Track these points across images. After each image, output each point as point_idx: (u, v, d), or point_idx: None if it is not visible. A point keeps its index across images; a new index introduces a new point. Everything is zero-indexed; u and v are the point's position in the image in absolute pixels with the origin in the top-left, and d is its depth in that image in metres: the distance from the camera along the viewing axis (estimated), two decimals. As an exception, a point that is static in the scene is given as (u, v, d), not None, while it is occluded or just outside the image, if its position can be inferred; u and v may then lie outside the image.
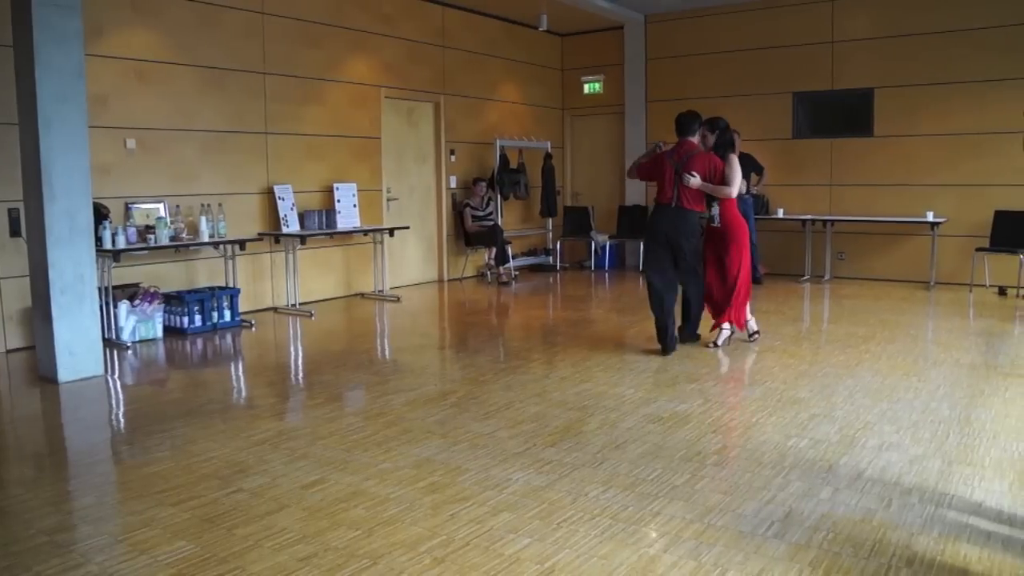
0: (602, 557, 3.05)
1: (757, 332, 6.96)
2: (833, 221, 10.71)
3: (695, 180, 6.40)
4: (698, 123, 6.71)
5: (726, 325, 6.75)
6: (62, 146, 5.73)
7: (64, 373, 5.86)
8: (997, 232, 9.56)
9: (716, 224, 6.60)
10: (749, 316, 6.90)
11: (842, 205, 10.95)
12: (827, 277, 10.83)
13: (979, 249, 9.56)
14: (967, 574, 2.93)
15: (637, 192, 12.44)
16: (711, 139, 6.67)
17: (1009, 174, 9.60)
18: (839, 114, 10.99)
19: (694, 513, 3.43)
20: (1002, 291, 9.55)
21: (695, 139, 6.67)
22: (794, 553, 3.06)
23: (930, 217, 9.89)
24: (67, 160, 5.77)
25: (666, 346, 6.50)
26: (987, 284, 9.81)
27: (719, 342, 6.73)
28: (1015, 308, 8.64)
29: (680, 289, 6.74)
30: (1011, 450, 4.22)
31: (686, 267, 6.61)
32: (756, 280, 10.59)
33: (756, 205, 10.83)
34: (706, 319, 6.91)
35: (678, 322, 6.75)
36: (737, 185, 6.48)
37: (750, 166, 10.67)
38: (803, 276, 10.90)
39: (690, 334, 6.87)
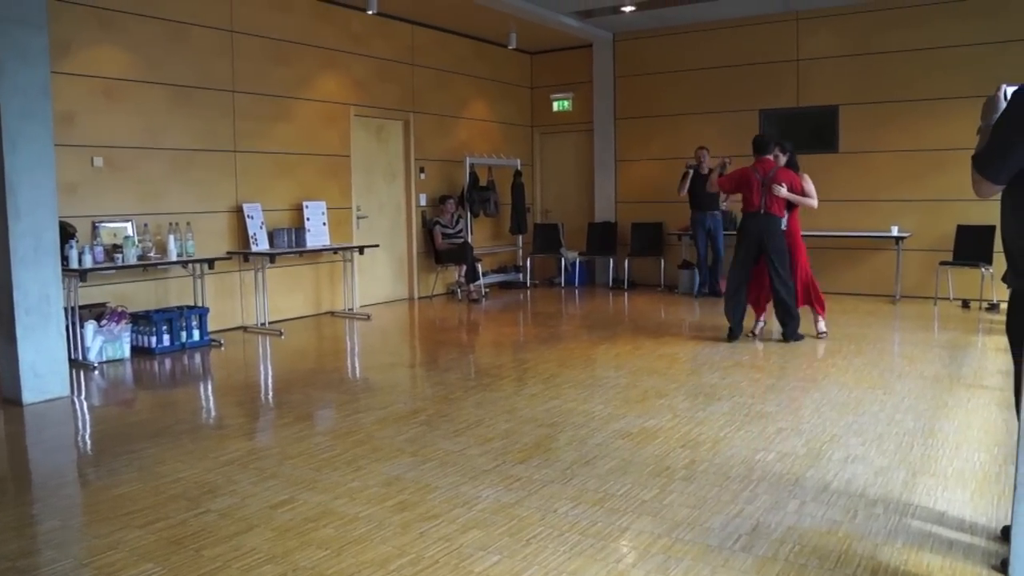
0: (571, 573, 3.07)
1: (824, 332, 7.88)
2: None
3: (783, 190, 7.38)
4: (773, 144, 7.70)
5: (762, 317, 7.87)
6: (27, 164, 5.68)
7: (29, 394, 5.78)
8: (960, 246, 9.72)
9: (783, 230, 7.60)
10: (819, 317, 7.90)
11: (808, 220, 10.99)
12: (795, 292, 10.93)
13: (943, 263, 9.72)
14: (930, 584, 2.97)
15: (607, 209, 12.53)
16: (783, 159, 7.67)
17: (970, 189, 9.71)
18: (805, 130, 11.12)
19: (662, 528, 3.46)
20: (965, 304, 9.70)
21: (771, 157, 7.61)
22: (761, 566, 3.09)
23: (895, 232, 10.04)
24: (32, 178, 5.71)
25: (731, 333, 7.70)
26: (951, 297, 9.96)
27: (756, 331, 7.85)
28: (978, 320, 8.78)
29: (772, 292, 7.65)
30: (973, 460, 4.29)
31: (774, 268, 7.50)
32: (716, 294, 10.74)
33: (724, 221, 10.95)
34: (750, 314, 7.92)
35: (759, 317, 7.94)
36: (815, 197, 7.67)
37: None
38: (771, 291, 11.00)
39: (791, 334, 7.61)
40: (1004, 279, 3.07)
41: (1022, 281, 2.96)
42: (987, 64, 9.56)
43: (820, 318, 7.90)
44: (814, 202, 7.71)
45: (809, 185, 7.67)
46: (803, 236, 8.05)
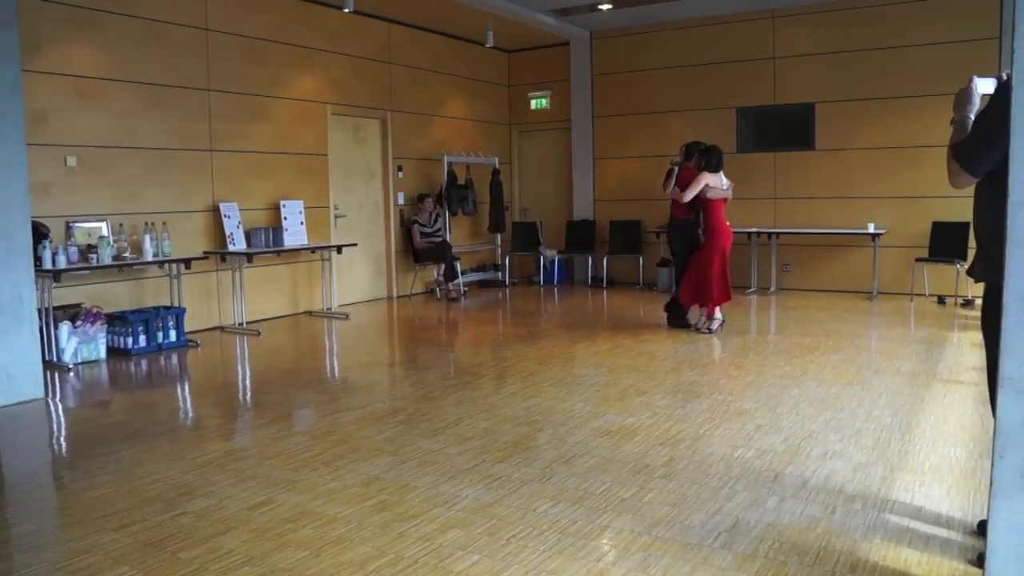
0: (551, 572, 3.06)
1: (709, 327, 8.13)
2: (778, 233, 10.89)
3: (675, 191, 8.10)
4: (696, 150, 8.23)
5: (717, 313, 8.08)
6: (-2, 164, 5.61)
7: (2, 397, 5.70)
8: (935, 242, 9.81)
9: (701, 228, 7.94)
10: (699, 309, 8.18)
11: (786, 217, 11.14)
12: (773, 289, 10.99)
13: (918, 259, 9.80)
14: (908, 579, 2.99)
15: (585, 207, 12.54)
16: (698, 161, 8.12)
17: (945, 186, 9.57)
18: (782, 128, 11.20)
19: (642, 526, 3.46)
20: (941, 300, 9.78)
21: (692, 163, 8.22)
22: (741, 563, 3.10)
23: (871, 228, 10.12)
24: (3, 178, 5.64)
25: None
26: (927, 293, 10.04)
27: (713, 328, 8.02)
28: (954, 316, 8.86)
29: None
30: (949, 455, 4.32)
31: (678, 265, 8.28)
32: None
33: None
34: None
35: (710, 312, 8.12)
36: (689, 192, 7.89)
37: None
38: (749, 288, 11.05)
39: (677, 319, 8.34)
40: (970, 273, 3.08)
41: (998, 274, 2.98)
42: (959, 61, 9.63)
43: (711, 314, 8.07)
44: (684, 195, 7.94)
45: (696, 181, 7.90)
46: (780, 234, 8.23)
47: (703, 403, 5.45)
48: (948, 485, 3.89)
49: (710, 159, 7.99)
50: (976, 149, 2.94)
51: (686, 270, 8.10)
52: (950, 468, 4.13)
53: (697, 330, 8.06)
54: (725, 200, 8.06)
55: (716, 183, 7.93)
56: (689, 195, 7.88)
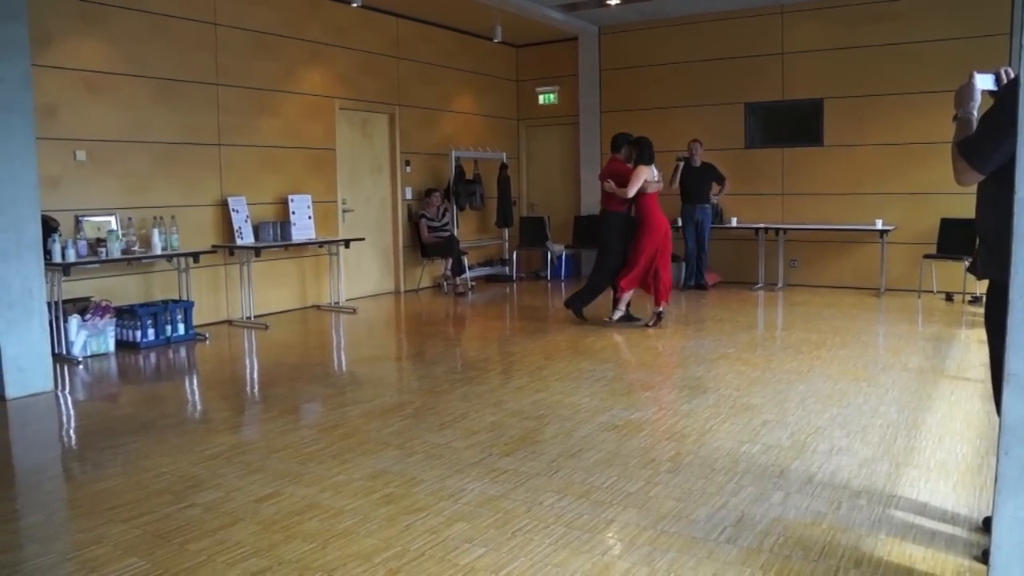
0: (557, 565, 3.07)
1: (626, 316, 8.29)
2: (786, 229, 10.86)
3: (609, 184, 7.94)
4: (624, 142, 8.13)
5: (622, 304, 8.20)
6: (8, 158, 5.63)
7: (12, 389, 5.74)
8: (943, 239, 9.78)
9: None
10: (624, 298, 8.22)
11: (794, 213, 11.12)
12: (780, 285, 10.97)
13: (926, 256, 9.78)
14: (912, 573, 3.00)
15: (593, 203, 12.51)
16: (630, 152, 8.06)
17: (953, 183, 9.73)
18: (790, 124, 11.18)
19: (648, 520, 3.47)
20: (949, 297, 9.76)
21: (621, 155, 8.12)
22: (746, 557, 3.11)
23: (879, 225, 10.09)
24: (13, 172, 5.67)
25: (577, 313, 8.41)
26: (935, 290, 10.02)
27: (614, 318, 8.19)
28: (961, 313, 8.84)
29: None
30: (955, 452, 4.32)
31: (598, 255, 8.29)
32: (702, 287, 10.78)
33: (712, 214, 10.98)
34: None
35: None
36: (633, 187, 7.79)
37: (711, 176, 10.82)
38: (756, 284, 11.04)
39: (574, 306, 8.45)
40: (972, 270, 3.08)
41: (1002, 271, 2.98)
42: (968, 58, 9.56)
43: (661, 303, 8.09)
44: (627, 191, 7.81)
45: (636, 175, 7.81)
46: (788, 230, 8.17)
47: (709, 398, 5.46)
48: (954, 481, 3.89)
49: (643, 151, 7.95)
50: (983, 146, 2.94)
51: (628, 259, 8.02)
52: (956, 464, 4.13)
53: (629, 318, 8.22)
54: (658, 192, 8.05)
55: (650, 176, 7.93)
56: (632, 190, 7.79)
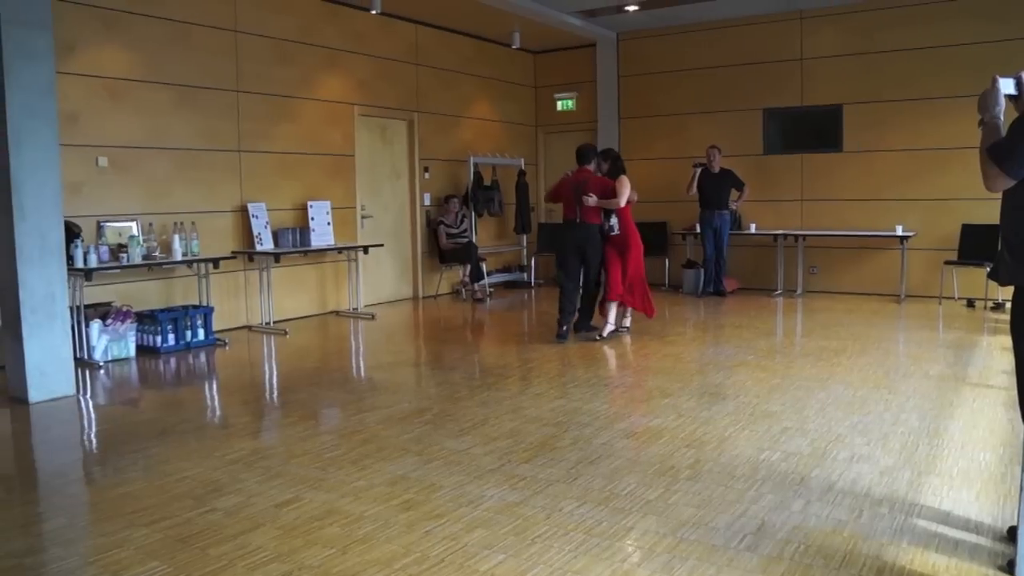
0: (576, 572, 3.07)
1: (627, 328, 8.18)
2: (805, 236, 10.82)
3: (591, 199, 7.60)
4: (593, 154, 7.99)
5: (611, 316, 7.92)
6: (32, 164, 5.69)
7: (35, 393, 5.79)
8: (964, 245, 9.70)
9: (616, 232, 7.76)
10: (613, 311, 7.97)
11: (813, 219, 11.07)
12: (799, 291, 10.92)
13: (947, 262, 9.70)
14: (936, 583, 2.97)
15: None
16: (605, 166, 7.94)
17: (975, 188, 9.54)
18: (809, 130, 11.14)
19: (667, 527, 3.46)
20: (970, 303, 9.68)
21: (591, 167, 7.90)
22: (766, 565, 3.09)
23: (899, 231, 10.02)
24: (37, 178, 5.73)
25: (562, 336, 7.84)
26: (956, 296, 9.94)
27: (604, 334, 7.83)
28: (983, 320, 8.77)
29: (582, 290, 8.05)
30: (978, 460, 4.29)
31: (586, 271, 7.91)
32: (720, 293, 10.74)
33: (730, 220, 10.94)
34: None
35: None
36: (623, 197, 7.64)
37: (730, 182, 10.80)
38: (776, 291, 10.99)
39: (584, 326, 8.07)
40: (994, 276, 3.06)
41: None
42: (989, 62, 9.51)
43: (627, 314, 8.12)
44: (618, 201, 7.66)
45: (622, 186, 7.67)
46: (807, 236, 8.09)
47: (729, 405, 5.44)
48: (977, 490, 3.86)
49: (619, 162, 7.98)
50: (1015, 149, 2.92)
51: (615, 268, 7.83)
52: (979, 473, 4.10)
53: (617, 330, 8.01)
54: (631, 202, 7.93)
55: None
56: (623, 200, 7.65)
